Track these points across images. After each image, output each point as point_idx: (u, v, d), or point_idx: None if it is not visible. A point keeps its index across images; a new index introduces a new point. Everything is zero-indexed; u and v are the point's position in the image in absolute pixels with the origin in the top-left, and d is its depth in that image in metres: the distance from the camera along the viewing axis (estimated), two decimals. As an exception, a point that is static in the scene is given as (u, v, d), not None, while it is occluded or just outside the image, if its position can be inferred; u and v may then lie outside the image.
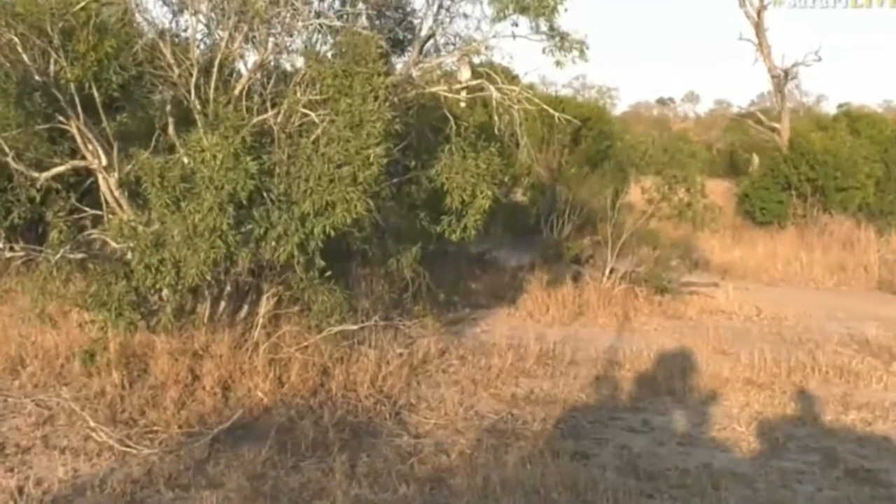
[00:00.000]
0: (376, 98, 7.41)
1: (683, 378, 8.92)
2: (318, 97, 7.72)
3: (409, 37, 9.46)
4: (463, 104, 9.74)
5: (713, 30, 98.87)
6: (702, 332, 11.07)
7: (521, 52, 9.42)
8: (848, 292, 15.81)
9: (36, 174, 8.11)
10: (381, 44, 8.01)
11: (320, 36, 8.45)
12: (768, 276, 16.68)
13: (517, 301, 12.36)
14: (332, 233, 7.43)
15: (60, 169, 8.30)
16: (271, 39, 8.12)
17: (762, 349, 9.97)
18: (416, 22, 9.45)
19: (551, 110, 9.02)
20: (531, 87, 14.37)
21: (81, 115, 7.95)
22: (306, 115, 7.73)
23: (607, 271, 12.99)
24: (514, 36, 8.66)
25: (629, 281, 12.87)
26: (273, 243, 7.36)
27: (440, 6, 9.01)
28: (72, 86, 7.71)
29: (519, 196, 18.64)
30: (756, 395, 8.49)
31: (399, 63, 9.36)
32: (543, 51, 8.65)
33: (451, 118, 8.70)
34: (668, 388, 8.67)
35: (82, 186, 8.92)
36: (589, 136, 19.64)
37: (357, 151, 7.31)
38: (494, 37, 8.72)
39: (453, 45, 9.21)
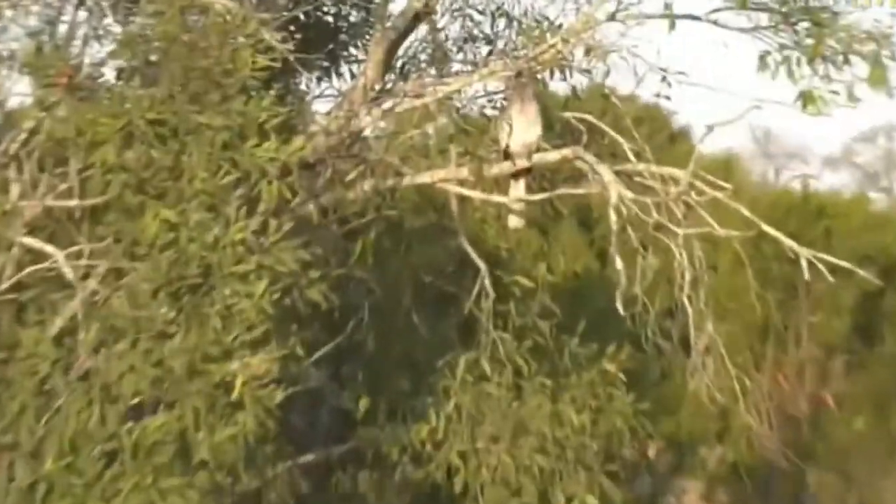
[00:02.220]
0: (250, 205, 6.00)
1: None
2: (68, 202, 6.56)
3: (361, 18, 7.31)
4: (515, 223, 7.34)
5: None
6: None
7: (687, 57, 7.15)
8: None
9: None
10: (270, 40, 6.31)
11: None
12: None
13: None
14: None
15: None
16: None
17: None
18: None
19: (788, 241, 6.36)
20: (727, 161, 11.71)
21: None
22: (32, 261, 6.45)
23: None
24: (671, 18, 6.19)
25: None
26: None
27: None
28: None
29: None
30: None
31: (324, 103, 7.87)
32: (763, 59, 6.26)
33: (480, 264, 6.65)
34: None
35: None
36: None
37: (190, 372, 5.86)
38: (614, 18, 6.30)
39: (488, 41, 6.98)
